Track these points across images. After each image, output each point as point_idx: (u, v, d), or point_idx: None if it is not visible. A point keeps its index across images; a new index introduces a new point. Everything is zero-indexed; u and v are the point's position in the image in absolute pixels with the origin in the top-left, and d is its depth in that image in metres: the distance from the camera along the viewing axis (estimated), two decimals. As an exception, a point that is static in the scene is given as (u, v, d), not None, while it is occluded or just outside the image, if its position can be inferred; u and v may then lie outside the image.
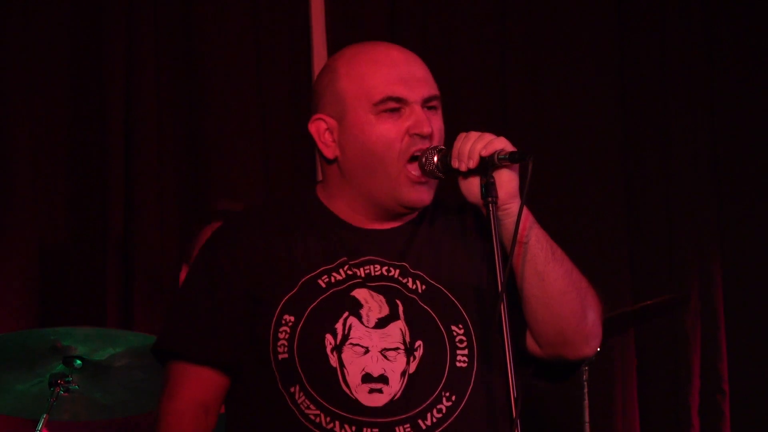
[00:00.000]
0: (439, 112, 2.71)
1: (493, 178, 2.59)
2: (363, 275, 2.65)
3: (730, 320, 5.37)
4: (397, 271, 2.67)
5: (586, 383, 4.38)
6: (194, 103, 4.88)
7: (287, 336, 2.61)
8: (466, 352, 2.64)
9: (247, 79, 4.96)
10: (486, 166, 2.59)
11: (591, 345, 2.71)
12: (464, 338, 2.64)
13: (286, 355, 2.60)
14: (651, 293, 4.97)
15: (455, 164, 2.61)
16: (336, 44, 4.91)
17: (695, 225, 5.41)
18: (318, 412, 2.58)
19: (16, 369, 3.71)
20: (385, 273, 2.67)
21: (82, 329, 3.70)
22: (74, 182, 4.70)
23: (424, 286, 2.67)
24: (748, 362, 5.37)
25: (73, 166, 4.71)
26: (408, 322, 2.63)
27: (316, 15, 5.04)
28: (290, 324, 2.61)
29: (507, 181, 2.61)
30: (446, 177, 2.65)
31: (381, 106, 2.65)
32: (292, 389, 2.60)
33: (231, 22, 4.95)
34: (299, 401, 2.59)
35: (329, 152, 2.70)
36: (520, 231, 2.59)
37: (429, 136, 2.65)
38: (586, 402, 4.38)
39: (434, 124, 2.67)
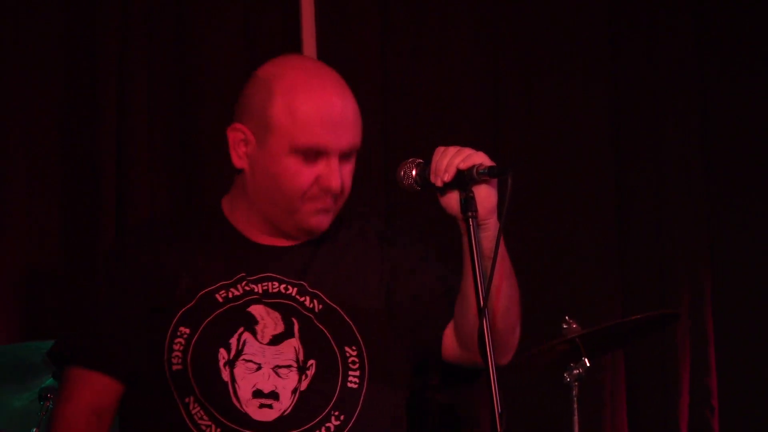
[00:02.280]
0: (353, 159, 2.73)
1: (472, 192, 2.56)
2: (260, 291, 2.70)
3: (720, 335, 5.34)
4: (296, 289, 2.72)
5: (575, 398, 4.35)
6: (186, 110, 4.88)
7: (182, 348, 2.66)
8: (357, 373, 2.69)
9: (239, 87, 4.95)
10: (465, 181, 2.57)
11: (509, 357, 2.76)
12: (357, 359, 2.70)
13: (180, 367, 2.66)
14: (641, 308, 4.95)
15: (432, 179, 2.60)
16: (326, 52, 4.94)
17: (686, 239, 5.38)
18: (210, 423, 2.64)
19: (6, 383, 3.74)
20: (283, 291, 2.71)
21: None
22: (66, 194, 4.68)
23: (321, 306, 2.71)
24: (738, 378, 5.34)
25: (65, 176, 4.69)
26: (302, 340, 2.68)
27: (307, 22, 5.05)
28: (185, 336, 2.66)
29: (485, 196, 2.58)
30: (423, 191, 2.64)
31: (302, 151, 2.67)
32: (186, 400, 2.65)
33: (222, 29, 4.94)
34: (193, 412, 2.65)
35: (239, 163, 2.73)
36: (490, 247, 2.58)
37: (335, 194, 2.69)
38: (576, 417, 4.38)
39: (345, 175, 2.70)
